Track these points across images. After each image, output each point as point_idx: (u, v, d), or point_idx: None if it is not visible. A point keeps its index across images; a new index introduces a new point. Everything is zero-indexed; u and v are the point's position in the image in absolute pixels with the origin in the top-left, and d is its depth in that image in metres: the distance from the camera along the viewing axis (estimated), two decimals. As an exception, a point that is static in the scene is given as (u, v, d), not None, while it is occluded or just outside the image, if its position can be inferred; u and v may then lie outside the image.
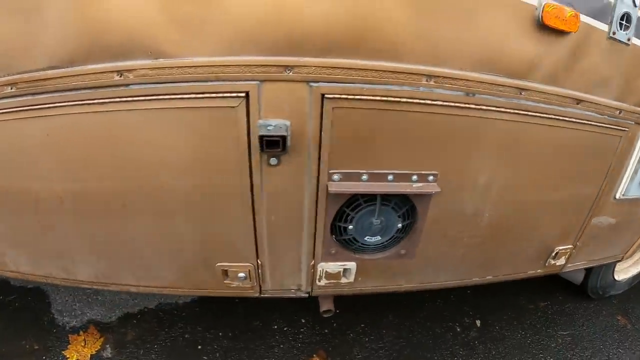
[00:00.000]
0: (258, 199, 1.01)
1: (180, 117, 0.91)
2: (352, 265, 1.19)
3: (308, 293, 1.27)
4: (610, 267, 1.98)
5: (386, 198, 1.09)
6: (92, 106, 0.89)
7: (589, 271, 1.99)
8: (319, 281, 1.21)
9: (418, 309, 1.98)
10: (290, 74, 0.84)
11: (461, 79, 0.97)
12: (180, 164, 0.98)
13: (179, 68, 0.84)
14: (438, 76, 0.94)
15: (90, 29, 0.82)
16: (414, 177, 1.07)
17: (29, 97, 0.90)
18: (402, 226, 1.16)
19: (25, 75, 0.88)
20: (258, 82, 0.85)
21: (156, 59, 0.84)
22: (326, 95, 0.87)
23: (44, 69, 0.86)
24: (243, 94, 0.86)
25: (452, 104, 0.99)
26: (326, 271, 1.19)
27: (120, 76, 0.85)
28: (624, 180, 1.48)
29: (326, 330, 1.81)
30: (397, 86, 0.92)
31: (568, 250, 1.57)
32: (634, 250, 1.94)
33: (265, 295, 1.27)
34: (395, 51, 0.88)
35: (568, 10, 0.97)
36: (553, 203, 1.37)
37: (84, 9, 0.81)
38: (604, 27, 1.07)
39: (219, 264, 1.17)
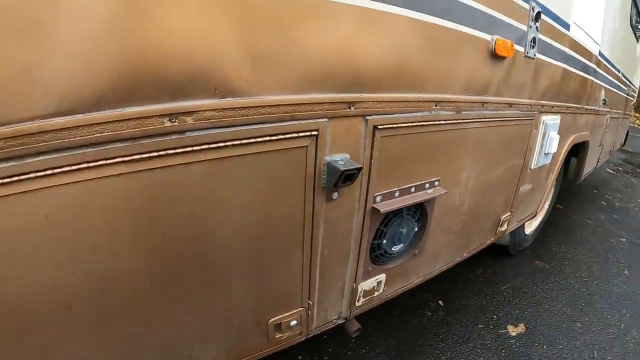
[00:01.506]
0: (315, 237, 1.09)
1: (245, 166, 0.84)
2: (382, 277, 1.40)
3: (346, 318, 1.39)
4: (522, 225, 2.61)
5: (408, 208, 1.34)
6: (125, 165, 0.68)
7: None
8: (358, 302, 1.37)
9: (390, 308, 2.27)
10: (352, 109, 0.99)
11: (454, 102, 1.29)
12: (242, 219, 0.90)
13: (251, 108, 0.79)
14: (442, 101, 1.24)
15: (133, 59, 0.63)
16: (427, 185, 1.35)
17: (13, 163, 0.59)
18: (417, 229, 1.43)
19: (9, 129, 0.56)
20: (327, 120, 0.94)
21: (223, 97, 0.76)
22: (377, 126, 1.07)
23: (45, 117, 0.59)
24: (315, 132, 0.93)
25: (449, 121, 1.30)
26: (364, 290, 1.36)
27: (174, 121, 0.70)
28: (534, 154, 2.05)
29: (326, 358, 1.91)
30: (419, 112, 1.18)
31: (508, 217, 2.08)
32: (541, 206, 2.60)
33: (310, 336, 1.28)
34: (420, 84, 1.14)
35: (508, 42, 1.38)
36: (499, 181, 1.83)
37: (126, 29, 0.62)
38: (521, 49, 1.53)
39: (272, 319, 1.11)
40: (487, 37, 1.32)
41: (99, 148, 0.65)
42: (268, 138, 0.85)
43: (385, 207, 1.21)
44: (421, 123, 1.20)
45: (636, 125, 15.56)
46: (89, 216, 0.68)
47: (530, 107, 1.79)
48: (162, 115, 0.69)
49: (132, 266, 0.77)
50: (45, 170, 0.61)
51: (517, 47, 1.48)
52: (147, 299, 0.82)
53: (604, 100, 3.20)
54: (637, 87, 5.70)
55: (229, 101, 0.76)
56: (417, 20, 1.04)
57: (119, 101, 0.64)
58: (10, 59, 0.54)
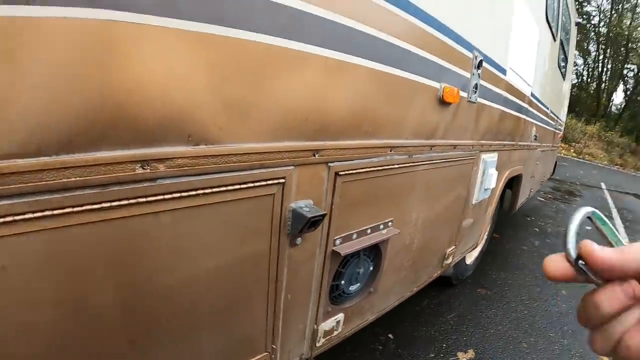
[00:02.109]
0: (280, 282, 1.11)
1: (215, 214, 0.84)
2: (341, 316, 1.43)
3: (307, 359, 1.40)
4: (463, 256, 2.77)
5: (365, 249, 1.39)
6: (94, 214, 0.65)
7: (454, 262, 2.73)
8: (318, 342, 1.39)
9: (343, 345, 2.28)
10: (317, 157, 1.04)
11: (406, 146, 1.37)
12: (209, 267, 0.89)
13: (223, 156, 0.81)
14: (396, 146, 1.32)
15: (107, 101, 0.62)
16: (381, 226, 1.41)
17: None
18: (372, 268, 1.48)
19: None
20: (293, 167, 0.98)
21: (196, 145, 0.76)
22: (339, 173, 1.12)
23: (7, 157, 0.54)
24: (283, 180, 0.96)
25: (402, 164, 1.38)
26: (324, 330, 1.39)
27: (146, 168, 0.69)
28: (475, 190, 2.20)
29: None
30: (376, 158, 1.25)
31: (453, 250, 2.20)
32: (482, 237, 2.78)
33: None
34: (377, 131, 1.21)
35: (455, 89, 1.50)
36: (444, 218, 1.95)
37: (101, 69, 0.60)
38: (465, 94, 1.67)
39: (236, 367, 1.10)
40: (436, 84, 1.44)
41: (66, 194, 0.62)
42: (238, 186, 0.86)
43: (344, 249, 1.25)
44: (378, 168, 1.27)
45: (563, 155, 17.10)
46: (52, 267, 0.64)
47: (472, 147, 1.94)
48: (134, 162, 0.67)
49: (95, 320, 0.73)
50: (4, 216, 0.56)
51: (461, 93, 1.61)
52: (110, 354, 0.78)
53: (535, 136, 3.52)
54: (563, 120, 6.33)
55: (202, 149, 0.77)
56: (376, 70, 1.12)
57: (90, 145, 0.62)
58: None
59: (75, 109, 0.59)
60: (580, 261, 0.33)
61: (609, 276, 0.32)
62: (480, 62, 1.74)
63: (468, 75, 1.67)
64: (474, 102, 1.78)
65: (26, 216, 0.58)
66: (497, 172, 2.37)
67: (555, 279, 0.35)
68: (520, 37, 2.35)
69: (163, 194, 0.74)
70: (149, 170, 0.70)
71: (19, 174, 0.56)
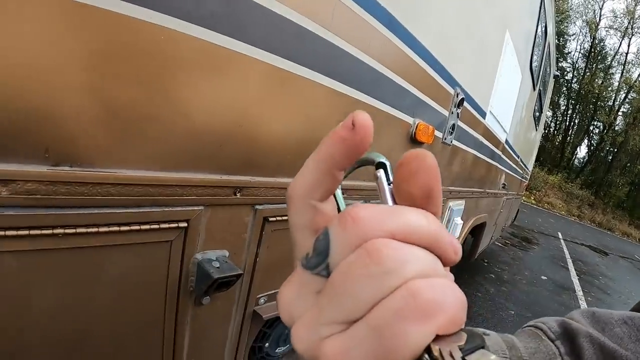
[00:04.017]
0: (179, 347, 0.86)
1: (81, 261, 0.60)
2: (263, 380, 1.19)
3: None
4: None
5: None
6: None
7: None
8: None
9: None
10: (238, 196, 0.80)
11: (362, 189, 1.16)
12: (72, 329, 0.64)
13: (96, 185, 0.56)
14: (349, 189, 1.10)
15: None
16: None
17: None
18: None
19: None
20: (202, 208, 0.74)
21: (56, 165, 0.52)
22: (269, 218, 0.89)
23: None
24: (185, 224, 0.71)
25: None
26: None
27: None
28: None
29: None
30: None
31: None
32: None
33: None
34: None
35: (430, 127, 1.31)
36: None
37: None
38: (440, 134, 1.49)
39: None
40: (409, 119, 1.24)
41: None
42: (117, 228, 0.61)
43: (268, 311, 1.01)
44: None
45: (523, 201, 17.69)
46: None
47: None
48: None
49: None
50: None
51: (436, 132, 1.43)
52: None
53: (503, 184, 3.44)
54: (530, 170, 6.41)
55: (64, 171, 0.52)
56: (336, 91, 0.90)
57: None
58: None
59: None
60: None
61: None
62: (462, 100, 1.57)
63: (446, 113, 1.49)
64: (449, 145, 1.60)
65: None
66: (462, 222, 2.21)
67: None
68: (504, 80, 2.23)
69: (5, 229, 0.50)
70: None
71: None
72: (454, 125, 1.55)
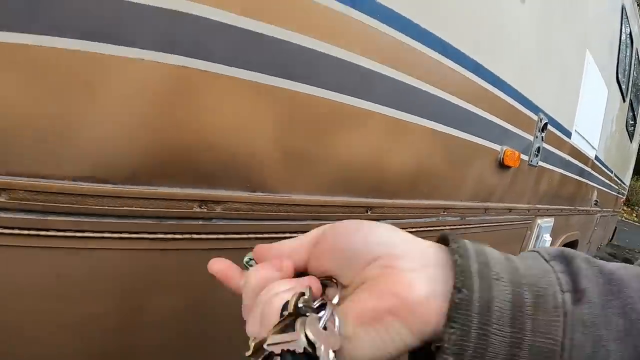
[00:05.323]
0: None
1: None
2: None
3: None
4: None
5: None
6: (149, 242, 0.71)
7: None
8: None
9: None
10: (369, 213, 1.05)
11: (460, 208, 1.37)
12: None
13: (279, 205, 0.85)
14: (449, 207, 1.32)
15: (173, 140, 0.68)
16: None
17: (32, 217, 0.60)
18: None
19: (35, 182, 0.58)
20: None
21: (253, 192, 0.80)
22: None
23: (77, 180, 0.61)
24: None
25: (454, 226, 1.38)
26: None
27: (204, 207, 0.74)
28: (528, 258, 2.13)
29: None
30: (428, 218, 1.25)
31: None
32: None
33: None
34: (432, 192, 1.22)
35: (516, 152, 1.49)
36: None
37: (171, 108, 0.66)
38: (526, 157, 1.65)
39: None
40: (497, 147, 1.44)
41: (125, 221, 0.67)
42: (289, 234, 0.88)
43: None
44: (428, 228, 1.27)
45: (624, 219, 16.28)
46: (97, 282, 0.69)
47: (528, 211, 1.90)
48: (193, 200, 0.73)
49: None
50: (65, 230, 0.62)
51: (522, 156, 1.60)
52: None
53: (595, 201, 3.39)
54: (627, 184, 6.06)
55: (258, 196, 0.81)
56: (437, 131, 1.14)
57: (153, 179, 0.68)
58: (51, 115, 0.57)
59: (143, 145, 0.66)
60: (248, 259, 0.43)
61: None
62: (545, 124, 1.73)
63: (531, 138, 1.66)
64: (535, 166, 1.76)
65: (85, 234, 0.64)
66: (551, 238, 2.29)
67: (217, 275, 0.43)
68: (588, 98, 2.32)
69: (217, 233, 0.79)
70: (205, 210, 0.75)
71: (84, 196, 0.62)
72: (539, 147, 1.71)
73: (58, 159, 0.60)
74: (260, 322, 0.32)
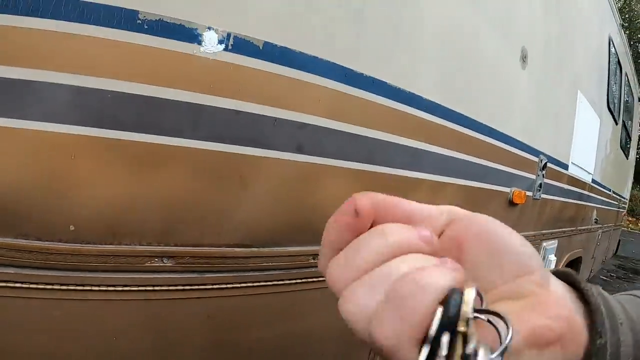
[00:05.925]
0: None
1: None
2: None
3: None
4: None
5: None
6: (285, 286, 1.00)
7: None
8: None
9: None
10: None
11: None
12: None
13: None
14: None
15: (297, 214, 0.99)
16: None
17: (193, 275, 0.86)
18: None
19: (198, 250, 0.86)
20: None
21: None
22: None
23: (229, 246, 0.90)
24: None
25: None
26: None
27: (314, 259, 1.00)
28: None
29: None
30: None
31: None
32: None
33: None
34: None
35: (523, 192, 1.85)
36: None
37: (296, 195, 0.99)
38: (530, 193, 2.01)
39: None
40: (507, 189, 1.79)
41: (261, 273, 0.96)
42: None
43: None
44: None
45: (629, 229, 16.47)
46: (235, 321, 0.98)
47: (534, 237, 2.24)
48: (309, 255, 1.02)
49: None
50: (219, 284, 0.90)
51: (527, 193, 1.95)
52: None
53: (595, 219, 3.73)
54: (627, 197, 6.39)
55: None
56: (462, 185, 1.49)
57: (284, 242, 0.99)
58: (212, 200, 0.87)
59: (278, 219, 1.00)
60: None
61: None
62: (545, 164, 2.08)
63: (533, 177, 2.01)
64: (538, 199, 2.11)
65: (229, 286, 0.92)
66: (556, 258, 2.62)
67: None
68: (582, 132, 2.67)
69: (318, 277, 0.94)
70: (315, 261, 1.00)
71: (234, 257, 0.91)
72: (541, 183, 2.07)
73: (217, 230, 0.91)
74: (394, 308, 0.23)
